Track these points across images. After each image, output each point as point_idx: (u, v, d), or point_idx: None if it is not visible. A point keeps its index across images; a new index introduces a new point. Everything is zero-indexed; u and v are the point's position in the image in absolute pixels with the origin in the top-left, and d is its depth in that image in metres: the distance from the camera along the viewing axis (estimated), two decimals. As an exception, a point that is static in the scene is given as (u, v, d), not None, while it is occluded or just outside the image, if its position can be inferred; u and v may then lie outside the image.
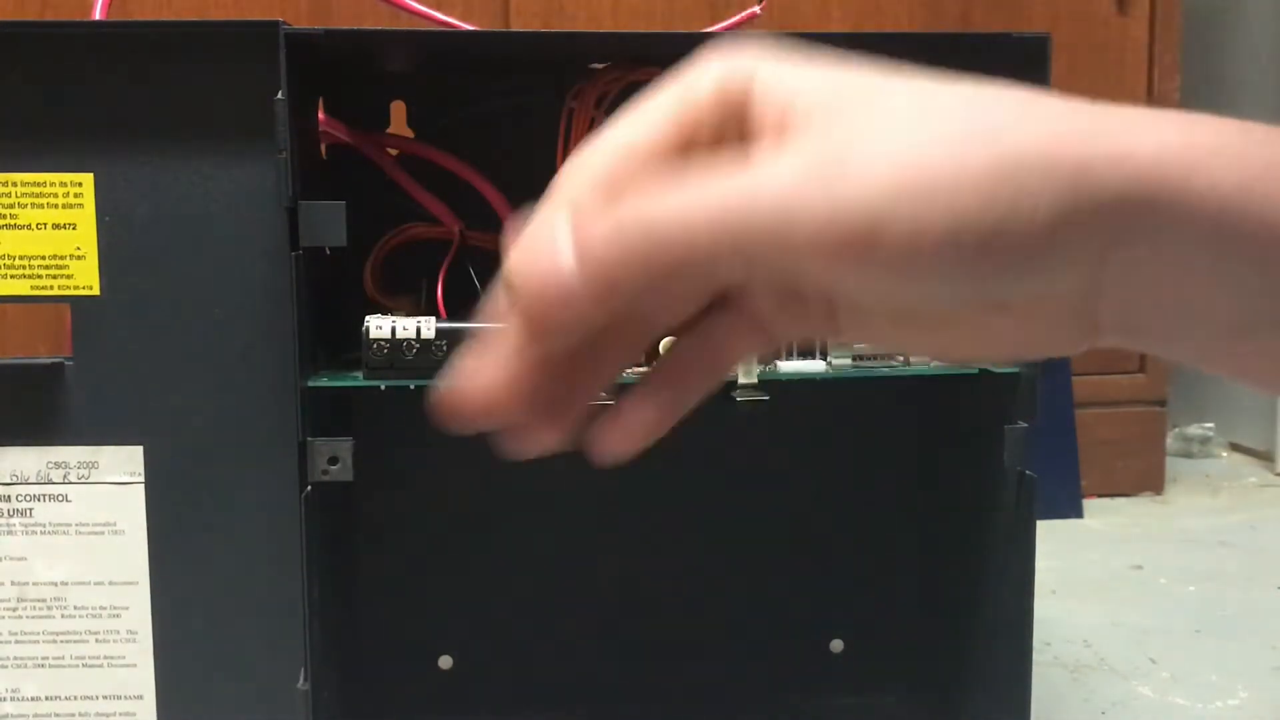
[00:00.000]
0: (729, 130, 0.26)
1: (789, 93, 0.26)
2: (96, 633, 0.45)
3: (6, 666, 0.45)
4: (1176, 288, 0.25)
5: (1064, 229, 0.24)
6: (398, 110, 0.52)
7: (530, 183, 0.49)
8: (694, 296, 0.27)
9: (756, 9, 0.53)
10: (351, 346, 0.45)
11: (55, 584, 0.45)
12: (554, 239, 0.24)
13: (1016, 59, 0.44)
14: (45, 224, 0.43)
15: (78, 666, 0.45)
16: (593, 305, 0.24)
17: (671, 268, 0.24)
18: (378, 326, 0.43)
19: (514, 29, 0.92)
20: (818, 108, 0.25)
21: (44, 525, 0.44)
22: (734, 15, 0.90)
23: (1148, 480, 1.06)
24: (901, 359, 0.46)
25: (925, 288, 0.25)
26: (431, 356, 0.43)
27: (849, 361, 0.45)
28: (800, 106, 0.25)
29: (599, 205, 0.25)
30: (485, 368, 0.27)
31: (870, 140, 0.24)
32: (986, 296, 0.25)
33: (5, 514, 0.44)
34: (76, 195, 0.43)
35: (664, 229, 0.24)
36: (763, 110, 0.26)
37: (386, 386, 0.43)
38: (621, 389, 0.29)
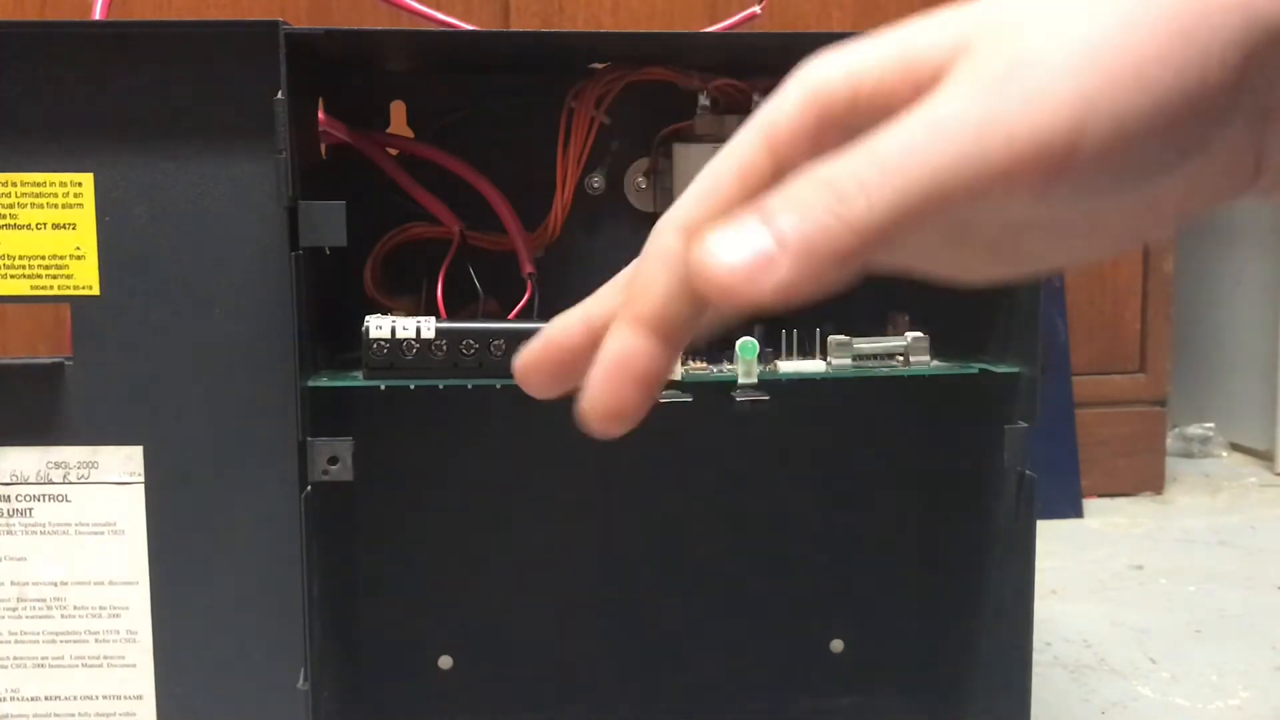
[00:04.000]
0: (830, 138, 0.25)
1: (906, 65, 0.24)
2: (96, 633, 0.45)
3: (6, 666, 0.45)
4: None
5: (1249, 67, 0.23)
6: (398, 110, 0.52)
7: (530, 183, 0.49)
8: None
9: (756, 9, 0.53)
10: (351, 346, 0.45)
11: (55, 584, 0.45)
12: (755, 235, 0.23)
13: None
14: (45, 224, 0.43)
15: (78, 666, 0.45)
16: (801, 278, 0.22)
17: (884, 224, 0.22)
18: (378, 326, 0.43)
19: (514, 29, 0.92)
20: (943, 61, 0.23)
21: (44, 525, 0.44)
22: (734, 15, 0.90)
23: (1148, 480, 1.06)
24: (901, 359, 0.46)
25: (1130, 179, 0.23)
26: (431, 356, 0.43)
27: (849, 362, 0.45)
28: (928, 67, 0.24)
29: (790, 191, 0.23)
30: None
31: (1041, 43, 0.22)
32: (1179, 162, 0.24)
33: (5, 514, 0.44)
34: (76, 195, 0.43)
35: (863, 198, 0.22)
36: (875, 101, 0.24)
37: (386, 386, 0.43)
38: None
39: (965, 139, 0.22)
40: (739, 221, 0.23)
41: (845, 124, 0.25)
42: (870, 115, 0.24)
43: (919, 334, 0.46)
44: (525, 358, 0.26)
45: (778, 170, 0.25)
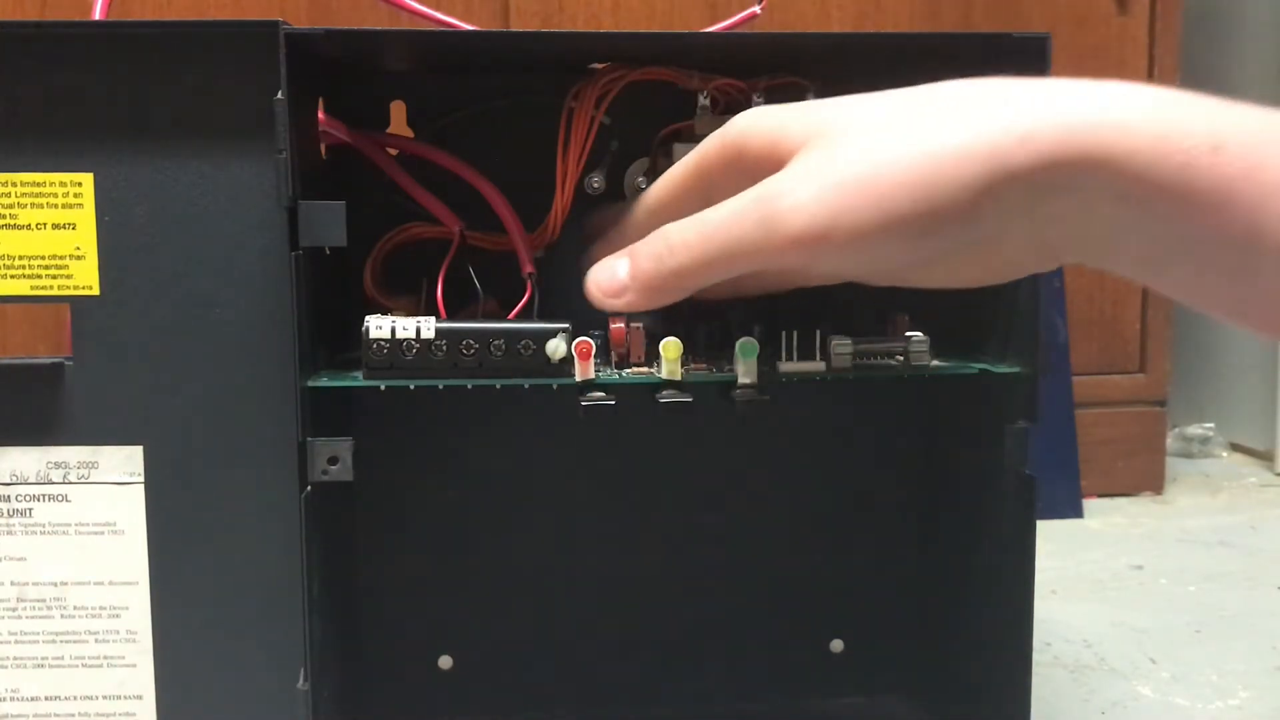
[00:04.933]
0: (750, 170, 0.37)
1: (774, 138, 0.37)
2: (96, 633, 0.45)
3: (6, 666, 0.45)
4: (1098, 230, 0.33)
5: (983, 199, 0.33)
6: (398, 110, 0.52)
7: (530, 183, 0.49)
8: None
9: (756, 9, 0.53)
10: (351, 346, 0.45)
11: (55, 584, 0.45)
12: (615, 269, 0.40)
13: (1016, 59, 0.44)
14: (45, 224, 0.43)
15: (78, 666, 0.45)
16: (640, 300, 0.40)
17: (684, 277, 0.38)
18: (377, 326, 0.43)
19: (514, 29, 0.92)
20: (795, 145, 0.36)
21: (44, 525, 0.45)
22: (734, 16, 0.90)
23: (1148, 480, 1.06)
24: (901, 359, 0.46)
25: (884, 256, 0.35)
26: (431, 356, 0.43)
27: (849, 362, 0.45)
28: (785, 146, 0.36)
29: (644, 242, 0.40)
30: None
31: (828, 166, 0.34)
32: (940, 253, 0.35)
33: (5, 514, 0.44)
34: (76, 195, 0.43)
35: (674, 256, 0.38)
36: (757, 157, 0.37)
37: (386, 386, 0.43)
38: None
39: (753, 222, 0.35)
40: (615, 258, 0.40)
41: (740, 166, 0.38)
42: (754, 167, 0.37)
43: (919, 334, 0.46)
44: None
45: (705, 183, 0.40)
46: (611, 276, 0.40)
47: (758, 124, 0.38)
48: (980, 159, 0.32)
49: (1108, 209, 0.32)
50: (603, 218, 0.49)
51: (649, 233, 0.40)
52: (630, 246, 0.40)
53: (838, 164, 0.34)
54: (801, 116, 0.37)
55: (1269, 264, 0.30)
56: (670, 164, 0.49)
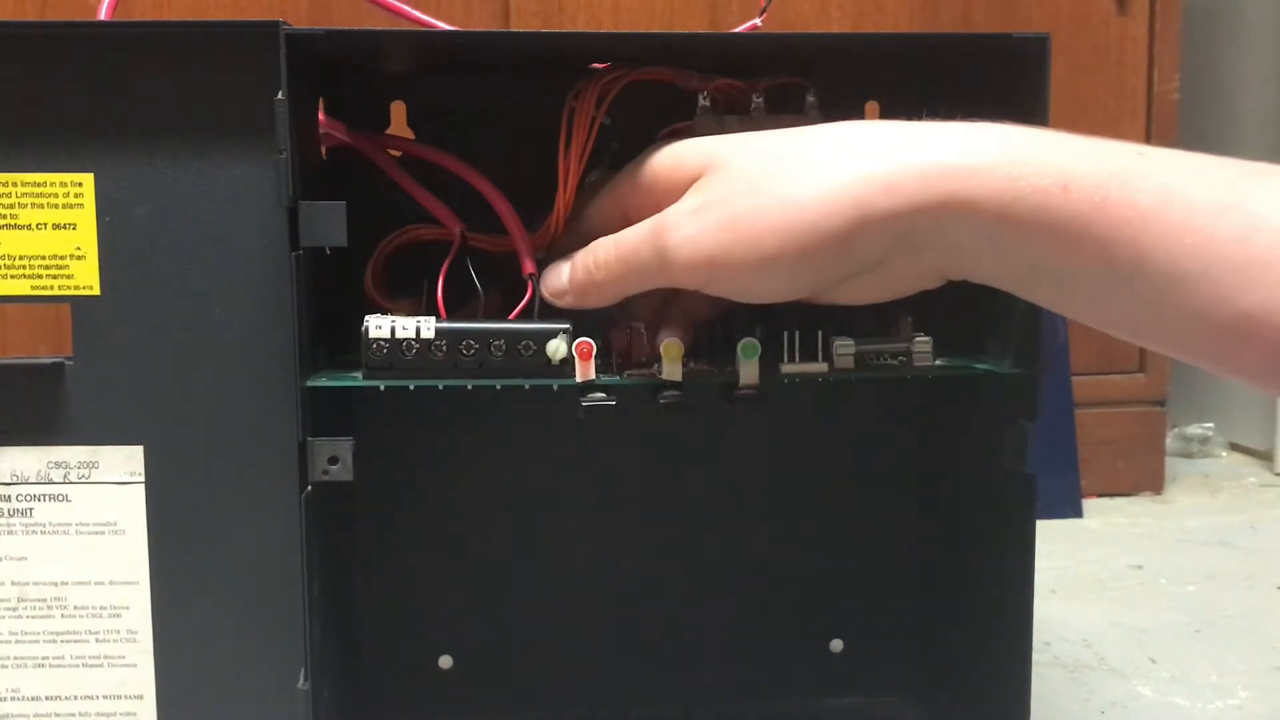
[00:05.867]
0: (657, 197, 0.42)
1: (673, 170, 0.42)
2: (96, 633, 0.45)
3: (6, 666, 0.45)
4: (969, 260, 0.37)
5: (851, 243, 0.36)
6: (398, 110, 0.52)
7: (530, 183, 0.49)
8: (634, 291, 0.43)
9: (758, 21, 0.53)
10: (351, 346, 0.45)
11: (55, 584, 0.45)
12: (561, 272, 0.45)
13: (1016, 59, 0.44)
14: (45, 224, 0.43)
15: (78, 666, 0.45)
16: (577, 303, 0.44)
17: (605, 290, 0.43)
18: (377, 326, 0.43)
19: (514, 29, 0.92)
20: (690, 178, 0.40)
21: (44, 525, 0.45)
22: (733, 15, 0.90)
23: (1147, 480, 1.06)
24: (904, 360, 0.46)
25: (769, 286, 0.39)
26: (431, 356, 0.43)
27: (850, 362, 0.45)
28: (682, 175, 0.41)
29: (582, 252, 0.44)
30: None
31: (709, 203, 0.39)
32: (824, 283, 0.39)
33: (5, 514, 0.44)
34: (76, 195, 0.43)
35: (599, 272, 0.43)
36: (664, 185, 0.42)
37: (386, 387, 0.43)
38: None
39: (651, 250, 0.40)
40: (561, 262, 0.45)
41: (649, 197, 0.42)
42: (660, 195, 0.42)
43: (923, 336, 0.46)
44: None
45: (622, 206, 0.44)
46: (557, 279, 0.45)
47: (665, 156, 0.42)
48: (847, 206, 0.36)
49: (972, 243, 0.36)
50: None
51: (591, 238, 0.44)
52: (574, 255, 0.44)
53: (719, 203, 0.38)
54: (698, 150, 0.41)
55: (1123, 287, 0.34)
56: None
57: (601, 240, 0.43)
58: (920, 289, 0.40)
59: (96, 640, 0.45)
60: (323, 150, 0.50)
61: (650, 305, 0.46)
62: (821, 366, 0.45)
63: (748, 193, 0.38)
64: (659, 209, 0.41)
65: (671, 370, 0.44)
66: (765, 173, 0.38)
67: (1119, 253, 0.33)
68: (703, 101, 0.48)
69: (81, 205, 0.43)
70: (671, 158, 0.42)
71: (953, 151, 0.35)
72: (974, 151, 0.35)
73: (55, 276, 0.43)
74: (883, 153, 0.36)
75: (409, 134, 0.52)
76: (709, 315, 0.46)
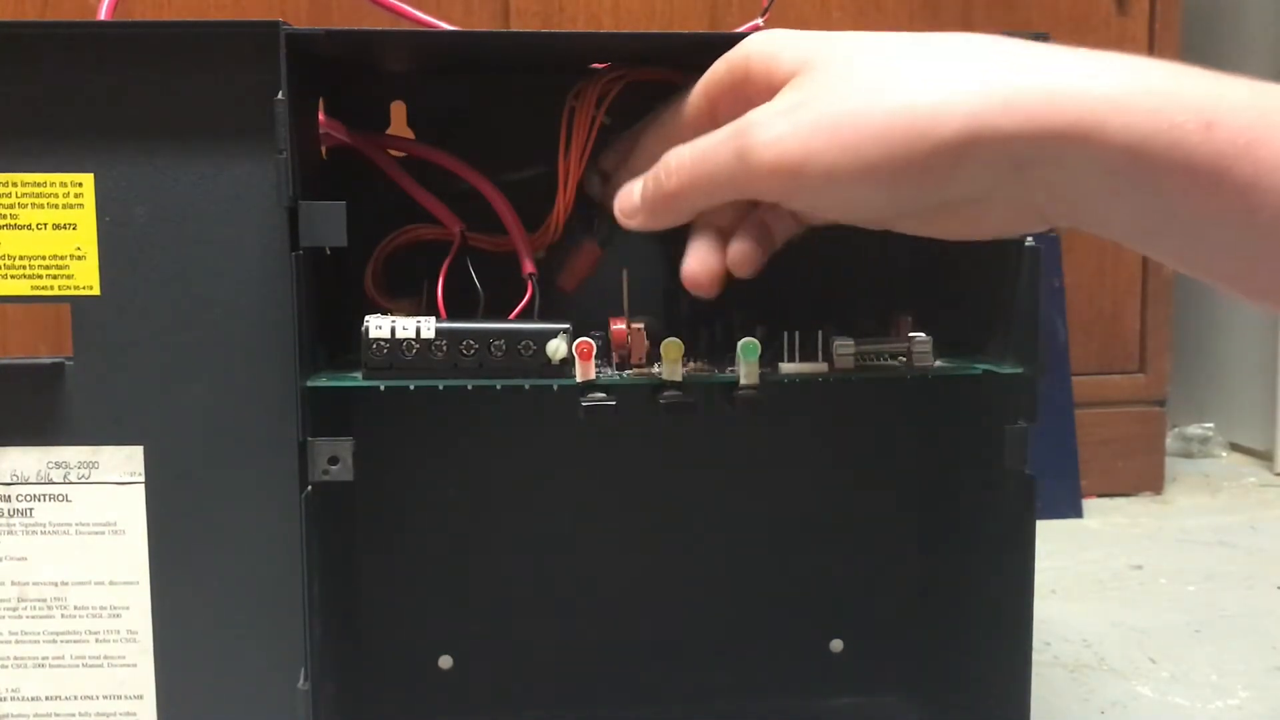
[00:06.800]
0: (749, 95, 0.38)
1: (770, 64, 0.37)
2: (96, 633, 0.45)
3: (6, 666, 0.45)
4: (1086, 199, 0.33)
5: (961, 161, 0.32)
6: (398, 110, 0.52)
7: (531, 183, 0.49)
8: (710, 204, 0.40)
9: (759, 21, 0.53)
10: (351, 346, 0.45)
11: (55, 584, 0.45)
12: (633, 190, 0.42)
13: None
14: (45, 224, 0.43)
15: (78, 666, 0.45)
16: (649, 221, 0.41)
17: (678, 201, 0.39)
18: (377, 326, 0.43)
19: (514, 29, 0.92)
20: (786, 75, 0.36)
21: (44, 525, 0.45)
22: (733, 15, 0.90)
23: (1147, 480, 1.06)
24: (904, 360, 0.46)
25: (860, 200, 0.35)
26: (431, 356, 0.43)
27: (851, 362, 0.45)
28: (778, 73, 0.37)
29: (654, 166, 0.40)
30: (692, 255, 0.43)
31: (813, 101, 0.35)
32: (918, 205, 0.35)
33: (5, 514, 0.44)
34: (76, 195, 0.43)
35: (670, 179, 0.39)
36: (757, 81, 0.38)
37: (386, 387, 0.43)
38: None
39: (731, 152, 0.36)
40: (635, 181, 0.42)
41: (741, 92, 0.39)
42: (752, 92, 0.38)
43: (922, 335, 0.46)
44: None
45: (712, 106, 0.41)
46: (629, 198, 0.41)
47: (760, 48, 0.38)
48: (959, 119, 0.32)
49: (1095, 181, 0.32)
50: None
51: (660, 156, 0.40)
52: (649, 170, 0.41)
53: (818, 102, 0.34)
54: (795, 45, 0.37)
55: (1263, 238, 0.30)
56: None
57: (674, 149, 0.39)
58: (1015, 233, 0.37)
59: (96, 640, 0.45)
60: (323, 150, 0.50)
61: (721, 224, 0.42)
62: (821, 366, 0.45)
63: (849, 94, 0.34)
64: (741, 113, 0.37)
65: (672, 370, 0.44)
66: (871, 74, 0.34)
67: (1263, 201, 0.29)
68: (703, 101, 0.48)
69: (81, 205, 0.43)
70: (766, 53, 0.37)
71: (1083, 75, 0.31)
72: (1106, 78, 0.31)
73: (55, 276, 0.43)
74: (1003, 67, 0.32)
75: (409, 134, 0.52)
76: (785, 235, 0.43)
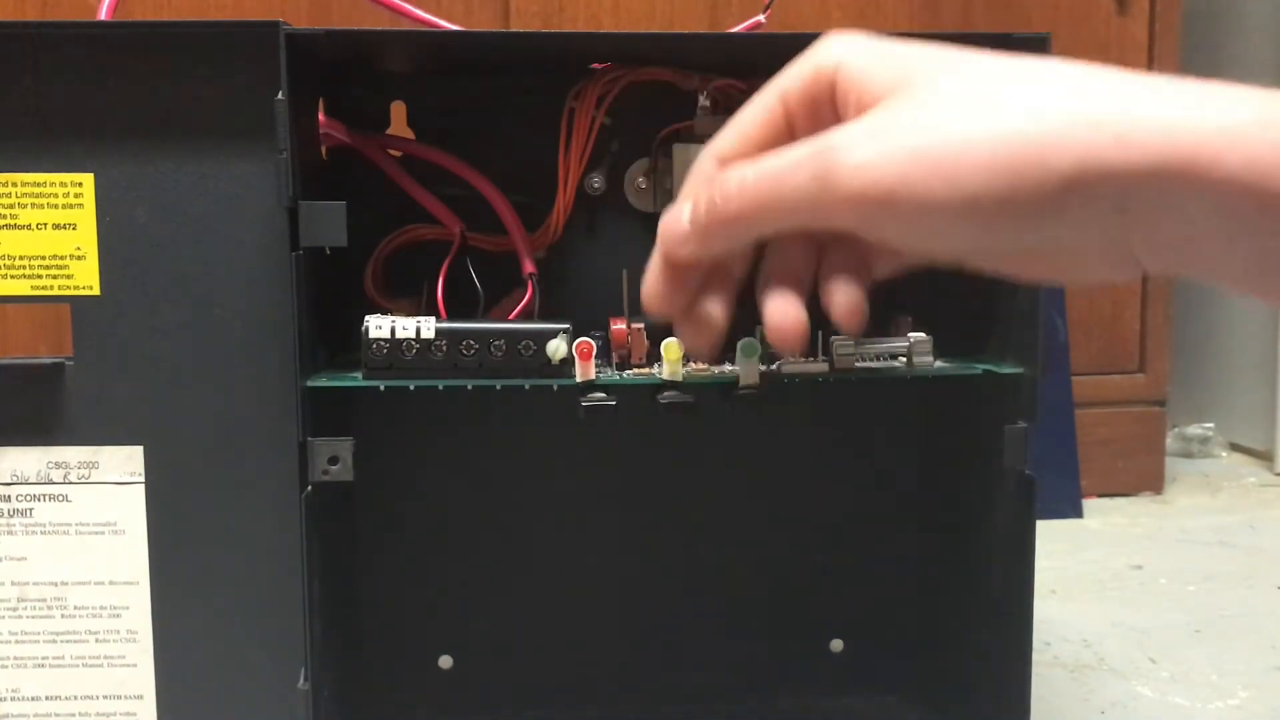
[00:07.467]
0: (833, 109, 0.34)
1: (862, 78, 0.33)
2: (96, 633, 0.45)
3: (6, 666, 0.45)
4: (1197, 243, 0.29)
5: (1070, 197, 0.29)
6: (398, 110, 0.52)
7: (531, 183, 0.49)
8: (753, 242, 0.36)
9: (761, 18, 0.53)
10: (351, 346, 0.45)
11: (55, 584, 0.45)
12: (680, 214, 0.35)
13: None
14: (45, 224, 0.43)
15: (78, 666, 0.45)
16: (700, 249, 0.35)
17: (738, 226, 0.34)
18: (377, 326, 0.43)
19: (514, 29, 0.92)
20: (878, 93, 0.32)
21: (44, 525, 0.45)
22: (733, 15, 0.90)
23: (1147, 480, 1.06)
24: (904, 359, 0.46)
25: (953, 234, 0.31)
26: (431, 357, 0.43)
27: (851, 362, 0.45)
28: (869, 90, 0.33)
29: (713, 179, 0.35)
30: (648, 281, 0.37)
31: (910, 124, 0.31)
32: (1011, 244, 0.31)
33: (5, 514, 0.44)
34: (76, 195, 0.43)
35: (730, 202, 0.34)
36: (845, 93, 0.34)
37: (386, 387, 0.43)
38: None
39: (809, 175, 0.32)
40: (682, 201, 0.36)
41: (821, 103, 0.34)
42: (832, 106, 0.34)
43: (922, 335, 0.46)
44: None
45: (788, 117, 0.35)
46: (676, 224, 0.36)
47: (854, 59, 0.34)
48: (1073, 153, 0.29)
49: (1206, 222, 0.29)
50: None
51: (710, 174, 0.36)
52: (699, 192, 0.36)
53: (917, 126, 0.31)
54: (891, 60, 0.33)
55: None
56: (670, 164, 0.49)
57: (734, 167, 0.35)
58: (1106, 281, 0.33)
59: (96, 640, 0.45)
60: (323, 150, 0.50)
61: (796, 267, 0.37)
62: (821, 366, 0.45)
63: (954, 116, 0.31)
64: (820, 129, 0.33)
65: (672, 370, 0.44)
66: (975, 99, 0.31)
67: None
68: (703, 101, 0.48)
69: (81, 205, 0.43)
70: (859, 65, 0.34)
71: (1197, 107, 0.29)
72: (1224, 110, 0.28)
73: (55, 276, 0.43)
74: (1112, 97, 0.30)
75: (409, 134, 0.52)
76: (884, 275, 0.38)
